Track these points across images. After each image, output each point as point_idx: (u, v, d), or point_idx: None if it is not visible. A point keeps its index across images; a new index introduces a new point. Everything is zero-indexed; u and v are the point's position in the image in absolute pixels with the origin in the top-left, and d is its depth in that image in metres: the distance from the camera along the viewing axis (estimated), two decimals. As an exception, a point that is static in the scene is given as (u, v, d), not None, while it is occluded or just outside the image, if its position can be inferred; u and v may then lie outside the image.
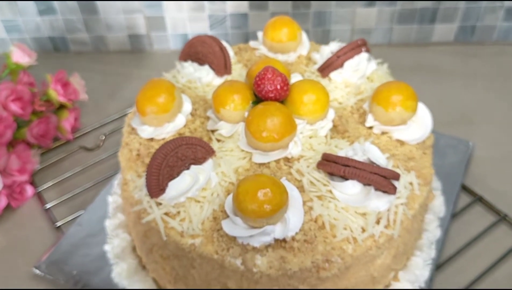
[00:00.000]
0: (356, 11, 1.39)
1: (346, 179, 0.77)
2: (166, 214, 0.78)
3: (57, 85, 1.14)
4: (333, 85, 0.95)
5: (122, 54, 1.50)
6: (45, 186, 1.12)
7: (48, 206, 1.08)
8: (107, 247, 0.96)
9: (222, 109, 0.85)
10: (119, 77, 1.42)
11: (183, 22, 1.42)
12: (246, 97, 0.85)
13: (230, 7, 1.39)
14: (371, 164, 0.76)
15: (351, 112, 0.92)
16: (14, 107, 1.08)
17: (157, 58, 1.49)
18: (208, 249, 0.75)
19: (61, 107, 1.20)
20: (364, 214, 0.76)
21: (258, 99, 0.85)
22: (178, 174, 0.78)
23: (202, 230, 0.76)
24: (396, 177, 0.76)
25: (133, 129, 0.92)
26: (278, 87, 0.82)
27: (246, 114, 0.84)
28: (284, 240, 0.74)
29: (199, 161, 0.80)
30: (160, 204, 0.78)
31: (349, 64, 0.95)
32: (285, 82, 0.83)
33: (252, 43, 1.08)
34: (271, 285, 0.75)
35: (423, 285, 0.88)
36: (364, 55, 0.95)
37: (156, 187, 0.77)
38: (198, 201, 0.78)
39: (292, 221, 0.74)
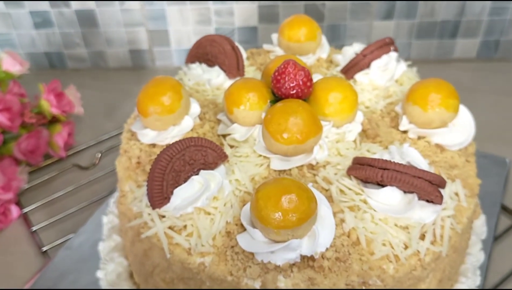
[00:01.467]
0: (372, 24, 1.30)
1: (383, 186, 0.66)
2: (170, 228, 0.66)
3: (50, 95, 1.04)
4: (359, 88, 0.85)
5: (123, 71, 1.41)
6: (32, 206, 1.01)
7: (34, 228, 0.96)
8: (99, 274, 0.83)
9: (235, 109, 0.74)
10: (119, 94, 1.32)
11: (188, 36, 1.33)
12: (263, 95, 0.74)
13: (238, 20, 1.31)
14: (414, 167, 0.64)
15: (381, 116, 0.81)
16: (1, 118, 0.97)
17: (160, 75, 1.39)
18: (221, 269, 0.62)
19: (54, 121, 1.09)
20: (406, 228, 0.65)
21: (277, 98, 0.74)
22: (185, 180, 0.67)
23: (213, 247, 0.64)
24: (443, 183, 0.65)
25: (133, 134, 0.81)
26: (301, 82, 0.72)
27: (263, 115, 0.74)
28: (312, 258, 0.62)
29: (209, 166, 0.69)
30: (164, 216, 0.67)
31: (376, 64, 0.85)
32: (308, 77, 0.72)
33: (266, 46, 0.98)
34: (296, 313, 0.63)
35: (470, 317, 0.75)
36: (393, 55, 0.85)
37: (159, 195, 0.65)
38: (209, 213, 0.67)
39: (322, 235, 0.62)
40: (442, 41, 1.34)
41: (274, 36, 0.96)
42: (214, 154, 0.69)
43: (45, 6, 1.28)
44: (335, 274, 0.61)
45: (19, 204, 1.01)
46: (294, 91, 0.72)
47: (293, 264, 0.62)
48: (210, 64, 0.89)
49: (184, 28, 1.32)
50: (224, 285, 0.63)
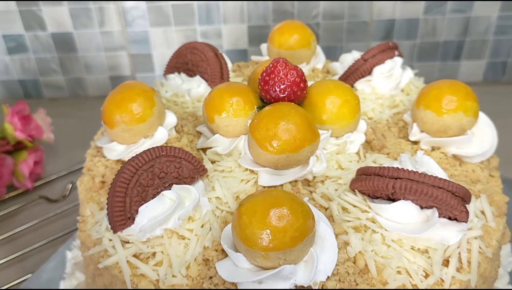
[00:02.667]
0: (370, 45, 1.21)
1: (395, 200, 0.54)
2: (135, 256, 0.54)
3: (14, 118, 0.93)
4: (361, 97, 0.73)
5: (103, 99, 1.30)
6: (-11, 243, 0.88)
7: (-11, 268, 0.83)
8: (58, 319, 0.70)
9: (217, 117, 0.63)
10: (97, 123, 1.21)
11: (173, 60, 1.24)
12: (250, 100, 0.63)
13: (227, 42, 1.22)
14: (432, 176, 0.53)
15: (388, 126, 0.70)
16: (-43, 141, 0.86)
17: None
18: (196, 306, 0.50)
19: (20, 148, 0.98)
20: (425, 251, 0.53)
21: (266, 104, 0.64)
22: (153, 196, 0.55)
23: (187, 277, 0.52)
24: (468, 196, 0.53)
25: (98, 151, 0.69)
26: (293, 83, 0.61)
27: (249, 122, 0.62)
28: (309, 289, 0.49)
29: (184, 181, 0.57)
30: (128, 242, 0.54)
31: (379, 70, 0.74)
32: (302, 77, 0.62)
33: (254, 58, 0.88)
34: None
35: None
36: (398, 60, 0.75)
37: (120, 214, 0.53)
38: (183, 237, 0.54)
39: (322, 260, 0.50)
40: (446, 63, 1.25)
41: (263, 46, 0.87)
42: (190, 167, 0.58)
43: (19, 29, 1.19)
44: (340, 310, 0.49)
45: (-26, 240, 0.88)
46: (285, 94, 0.62)
47: (287, 298, 0.49)
48: (191, 74, 0.79)
49: (169, 51, 1.23)
50: (200, 327, 0.50)
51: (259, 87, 0.63)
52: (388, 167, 0.53)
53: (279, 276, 0.48)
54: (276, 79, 0.61)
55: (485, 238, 0.56)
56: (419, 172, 0.55)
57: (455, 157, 0.65)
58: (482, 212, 0.58)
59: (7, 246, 0.88)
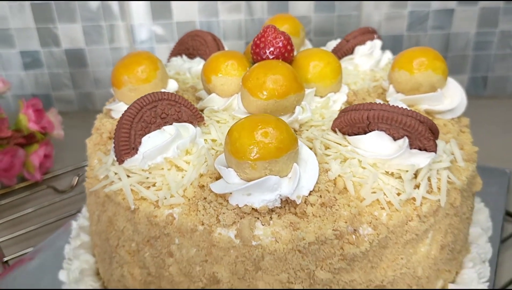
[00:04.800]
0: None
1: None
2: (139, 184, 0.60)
3: (28, 110, 1.01)
4: (344, 73, 0.81)
5: (110, 113, 1.38)
6: (-2, 222, 0.93)
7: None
8: (62, 276, 0.74)
9: (213, 77, 0.71)
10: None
11: (177, 75, 1.34)
12: (243, 63, 0.71)
13: (226, 57, 1.31)
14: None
15: (368, 93, 0.77)
16: (-26, 129, 0.94)
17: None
18: (191, 219, 0.55)
19: (32, 142, 1.04)
20: (398, 177, 0.58)
21: (257, 66, 0.71)
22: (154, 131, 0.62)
23: (184, 197, 0.57)
24: (435, 128, 0.60)
25: (107, 114, 0.76)
26: (281, 44, 0.69)
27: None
28: (293, 205, 0.55)
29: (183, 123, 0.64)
30: (132, 173, 0.60)
31: (360, 49, 0.83)
32: (289, 40, 0.70)
33: (248, 50, 0.97)
34: (277, 269, 0.54)
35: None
36: (377, 42, 0.84)
37: (125, 144, 0.60)
38: (181, 169, 0.60)
39: (304, 177, 0.55)
40: (430, 77, 1.34)
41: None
42: (188, 113, 0.65)
43: (35, 45, 1.29)
44: (321, 219, 0.54)
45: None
46: (274, 55, 0.70)
47: (272, 210, 0.55)
48: (192, 57, 0.87)
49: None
50: (194, 240, 0.55)
51: (251, 51, 0.71)
52: (364, 103, 0.60)
53: (265, 187, 0.53)
54: (266, 42, 0.70)
55: (455, 173, 0.62)
56: (391, 107, 0.62)
57: (427, 113, 0.71)
58: (452, 154, 0.64)
59: (13, 229, 0.93)
